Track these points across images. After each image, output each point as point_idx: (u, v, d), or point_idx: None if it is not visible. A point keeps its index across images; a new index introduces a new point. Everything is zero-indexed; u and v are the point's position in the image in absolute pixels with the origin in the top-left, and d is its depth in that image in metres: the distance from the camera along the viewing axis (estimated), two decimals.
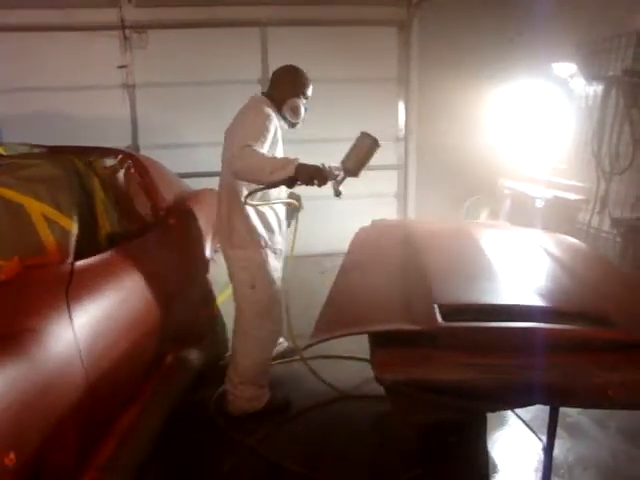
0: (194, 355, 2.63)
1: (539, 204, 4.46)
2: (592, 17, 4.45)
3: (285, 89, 2.91)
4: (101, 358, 1.75)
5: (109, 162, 2.58)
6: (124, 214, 2.46)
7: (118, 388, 1.91)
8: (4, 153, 2.44)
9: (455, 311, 1.64)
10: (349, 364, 3.16)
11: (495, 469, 2.39)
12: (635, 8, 4.05)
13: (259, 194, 2.56)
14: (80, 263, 1.90)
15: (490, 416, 2.51)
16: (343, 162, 2.65)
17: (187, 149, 5.51)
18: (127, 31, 5.32)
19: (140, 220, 2.60)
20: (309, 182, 2.53)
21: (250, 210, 2.64)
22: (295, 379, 3.08)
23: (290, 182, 2.46)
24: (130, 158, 2.81)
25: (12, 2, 5.05)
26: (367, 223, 3.20)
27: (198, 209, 3.07)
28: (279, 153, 2.74)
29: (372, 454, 2.48)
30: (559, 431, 2.59)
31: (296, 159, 2.47)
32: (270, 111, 2.72)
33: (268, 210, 2.78)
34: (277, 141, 2.71)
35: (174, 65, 5.47)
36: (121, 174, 2.61)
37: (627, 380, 1.48)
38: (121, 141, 5.25)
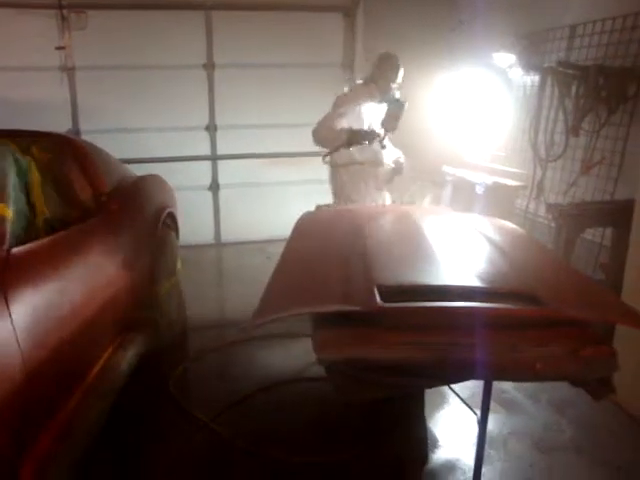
0: (139, 340, 2.61)
1: (479, 190, 4.58)
2: (531, 9, 4.59)
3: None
4: (40, 347, 1.72)
5: (47, 146, 2.51)
6: (63, 200, 2.40)
7: (59, 377, 1.88)
8: None
9: (394, 292, 1.68)
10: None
11: (435, 444, 2.50)
12: (570, 2, 4.20)
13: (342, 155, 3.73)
14: (16, 250, 1.85)
15: (431, 395, 2.62)
16: (382, 123, 3.66)
17: (131, 134, 5.40)
18: (65, 11, 5.13)
19: (80, 206, 2.54)
20: (362, 142, 3.59)
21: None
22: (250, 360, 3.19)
23: (348, 145, 3.57)
24: (69, 143, 2.74)
25: None
26: (311, 208, 3.24)
27: (142, 194, 3.03)
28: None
29: (315, 433, 2.54)
30: (496, 407, 2.74)
31: (348, 129, 3.54)
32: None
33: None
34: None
35: (116, 48, 5.31)
36: (59, 159, 2.54)
37: (552, 354, 1.57)
38: (61, 126, 5.08)
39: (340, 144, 3.58)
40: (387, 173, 3.97)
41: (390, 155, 3.93)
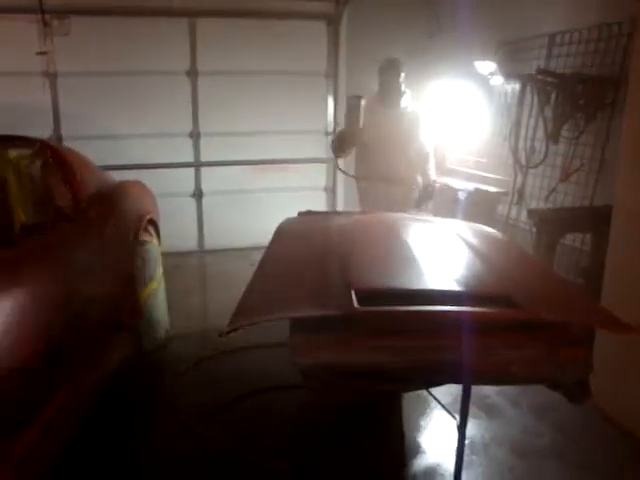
0: (119, 343, 2.60)
1: (461, 196, 4.62)
2: (511, 17, 4.65)
3: None
4: (14, 352, 1.70)
5: (25, 151, 2.49)
6: (41, 205, 2.39)
7: (37, 382, 1.86)
8: None
9: (371, 296, 1.69)
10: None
11: (415, 449, 2.49)
12: (549, 11, 4.26)
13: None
14: None
15: (411, 400, 2.63)
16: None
17: (113, 141, 5.36)
18: (47, 16, 5.09)
19: (59, 212, 2.51)
20: (343, 146, 3.74)
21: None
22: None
23: (338, 150, 3.77)
24: (48, 148, 2.71)
25: None
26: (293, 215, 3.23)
27: (122, 200, 3.01)
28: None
29: (293, 439, 2.53)
30: (477, 412, 2.75)
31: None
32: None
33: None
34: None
35: (99, 54, 5.28)
36: (38, 164, 2.52)
37: (528, 356, 1.58)
38: (42, 131, 4.99)
39: (333, 151, 3.75)
40: (409, 197, 3.95)
41: (412, 176, 3.93)
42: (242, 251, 5.43)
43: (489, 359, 1.58)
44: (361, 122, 3.53)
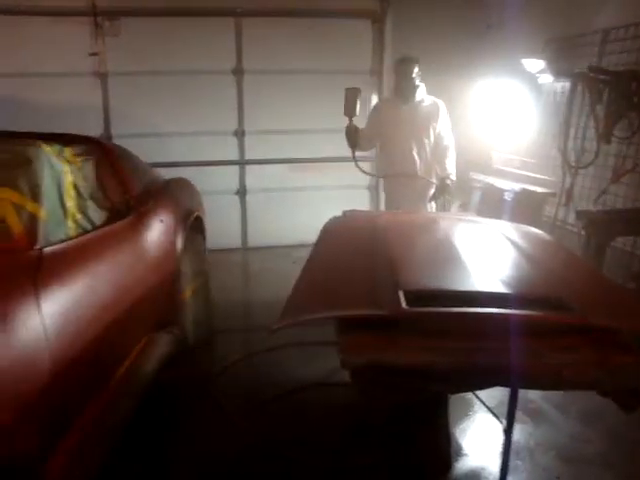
0: (165, 340, 2.65)
1: (508, 197, 4.55)
2: (561, 14, 4.54)
3: None
4: (71, 345, 1.75)
5: (79, 149, 2.56)
6: (94, 202, 2.45)
7: (88, 375, 1.92)
8: None
9: (419, 297, 1.68)
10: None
11: (460, 452, 2.47)
12: (602, 7, 4.15)
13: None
14: (49, 249, 1.89)
15: (456, 402, 2.60)
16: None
17: (160, 138, 5.48)
18: (99, 18, 5.25)
19: (110, 208, 2.59)
20: (352, 141, 3.76)
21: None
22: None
23: (351, 146, 3.76)
24: (100, 146, 2.80)
25: None
26: (338, 214, 3.24)
27: (170, 197, 3.07)
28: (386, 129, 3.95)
29: (338, 437, 2.53)
30: (522, 417, 2.70)
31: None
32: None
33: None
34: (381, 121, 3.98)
35: (148, 54, 5.41)
36: (91, 161, 2.60)
37: (579, 361, 1.55)
38: (93, 130, 5.17)
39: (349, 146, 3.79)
40: (429, 191, 3.92)
41: (429, 170, 3.92)
42: (285, 249, 5.47)
43: (538, 363, 1.55)
44: (357, 111, 3.60)
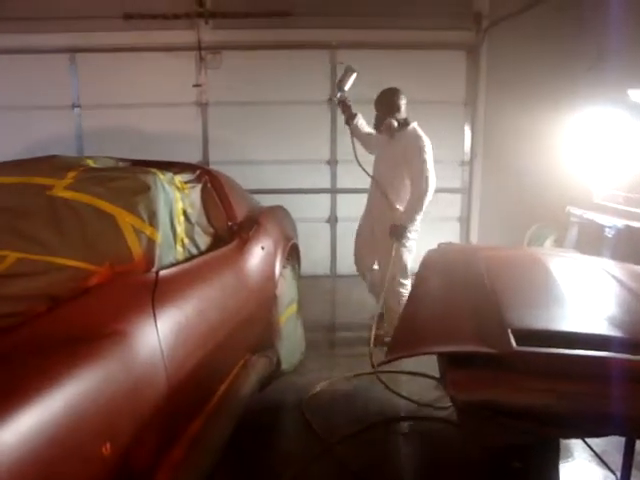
0: (261, 363, 2.71)
1: (609, 233, 4.33)
2: None
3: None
4: (182, 364, 1.84)
5: (188, 177, 2.71)
6: (199, 227, 2.58)
7: (195, 393, 2.00)
8: (94, 165, 2.60)
9: (527, 336, 1.64)
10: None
11: None
12: None
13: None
14: (164, 272, 2.00)
15: (564, 448, 2.47)
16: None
17: (254, 166, 5.69)
18: (203, 52, 5.56)
19: (215, 233, 2.71)
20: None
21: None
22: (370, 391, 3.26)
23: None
24: (207, 173, 2.94)
25: (103, 25, 5.39)
26: (429, 246, 3.19)
27: (269, 225, 3.17)
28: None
29: (435, 475, 2.48)
30: (635, 470, 2.52)
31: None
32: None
33: None
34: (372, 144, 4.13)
35: (245, 85, 5.68)
36: (198, 188, 2.74)
37: None
38: (192, 156, 5.47)
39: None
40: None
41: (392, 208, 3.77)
42: None
43: None
44: (347, 87, 3.88)
